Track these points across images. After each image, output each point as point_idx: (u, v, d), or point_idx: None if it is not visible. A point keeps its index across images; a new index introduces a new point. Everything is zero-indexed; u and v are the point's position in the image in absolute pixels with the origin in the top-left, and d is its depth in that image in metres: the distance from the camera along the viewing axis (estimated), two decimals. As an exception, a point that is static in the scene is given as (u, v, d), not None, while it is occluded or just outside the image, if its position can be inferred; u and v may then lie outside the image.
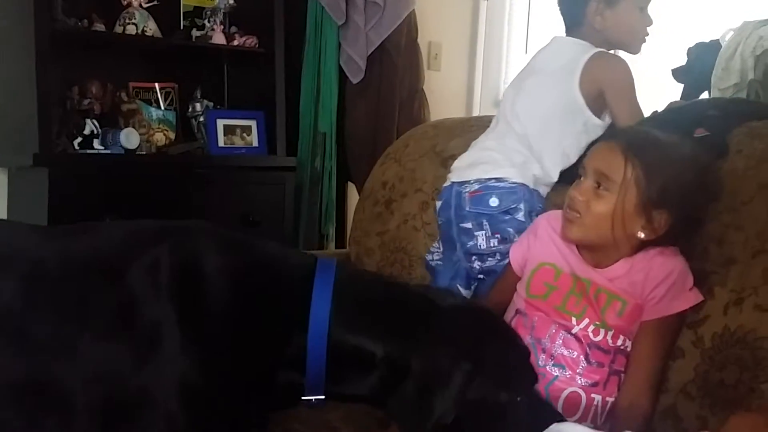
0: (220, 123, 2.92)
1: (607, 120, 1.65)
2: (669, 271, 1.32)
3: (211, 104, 3.03)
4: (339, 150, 3.17)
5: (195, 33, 2.96)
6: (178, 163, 2.85)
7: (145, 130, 2.79)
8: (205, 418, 1.17)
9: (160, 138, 2.84)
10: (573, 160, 1.65)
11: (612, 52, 1.72)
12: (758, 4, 3.48)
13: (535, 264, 1.46)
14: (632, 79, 1.64)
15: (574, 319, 1.37)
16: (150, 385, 1.13)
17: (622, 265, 1.35)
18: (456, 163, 1.75)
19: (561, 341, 1.37)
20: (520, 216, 1.60)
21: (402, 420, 1.24)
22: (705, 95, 3.11)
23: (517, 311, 1.46)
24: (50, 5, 2.54)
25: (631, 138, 1.35)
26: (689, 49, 3.28)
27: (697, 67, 3.13)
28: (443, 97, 3.56)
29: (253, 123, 2.98)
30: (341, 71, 3.08)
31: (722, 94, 2.89)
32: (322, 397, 1.24)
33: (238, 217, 2.78)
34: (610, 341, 1.35)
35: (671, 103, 1.74)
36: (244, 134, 2.96)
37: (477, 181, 1.65)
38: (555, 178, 1.66)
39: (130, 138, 2.66)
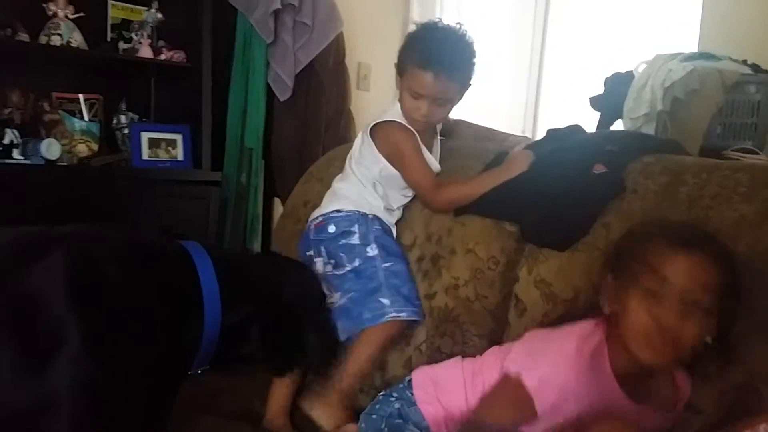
0: (145, 136, 2.91)
1: None
2: None
3: (136, 117, 3.02)
4: (266, 166, 3.20)
5: (122, 45, 2.95)
6: (101, 175, 2.82)
7: (68, 141, 2.77)
8: (109, 415, 1.21)
9: (82, 149, 2.81)
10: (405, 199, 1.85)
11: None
12: (670, 39, 3.66)
13: None
14: (402, 143, 1.76)
15: None
16: (52, 388, 1.15)
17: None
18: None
19: None
20: (355, 239, 1.75)
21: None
22: (619, 123, 3.24)
23: None
24: (-28, 14, 2.51)
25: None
26: (606, 79, 3.41)
27: (612, 96, 3.25)
28: (372, 117, 3.60)
29: (178, 137, 2.97)
30: (269, 89, 3.11)
31: (633, 123, 3.02)
32: (207, 367, 1.43)
33: (160, 230, 2.76)
34: None
35: (549, 130, 1.85)
36: (169, 147, 2.96)
37: (322, 215, 1.83)
38: (395, 205, 1.84)
39: (50, 149, 2.62)
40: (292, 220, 2.14)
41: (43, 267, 1.22)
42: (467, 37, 1.73)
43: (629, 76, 3.30)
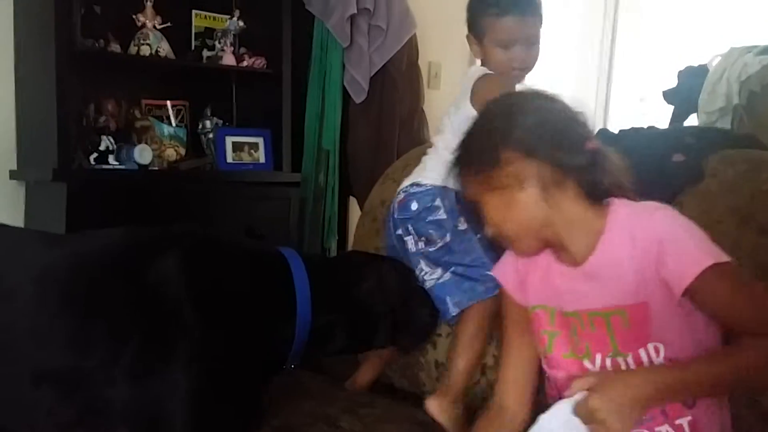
0: (229, 140, 3.03)
1: None
2: (659, 223, 1.18)
3: (220, 122, 3.15)
4: (341, 166, 3.28)
5: (206, 53, 3.07)
6: (188, 178, 2.94)
7: (157, 146, 2.90)
8: (220, 404, 1.32)
9: (171, 154, 2.95)
10: None
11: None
12: (744, 32, 3.61)
13: (529, 308, 1.34)
14: (509, 86, 1.69)
15: (586, 362, 1.23)
16: (173, 379, 1.25)
17: (600, 250, 1.21)
18: None
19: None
20: (441, 214, 1.72)
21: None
22: (693, 118, 3.23)
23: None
24: (70, 27, 2.63)
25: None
26: (679, 72, 3.40)
27: (686, 90, 3.25)
28: (443, 115, 3.66)
29: (260, 140, 3.09)
30: (345, 91, 3.20)
31: (708, 117, 3.01)
32: (297, 362, 1.54)
33: (244, 230, 2.88)
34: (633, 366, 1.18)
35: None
36: (252, 151, 3.08)
37: (402, 190, 1.81)
38: None
39: (143, 154, 2.75)
40: (369, 218, 2.23)
41: (162, 265, 1.33)
42: None
43: (702, 69, 3.29)
